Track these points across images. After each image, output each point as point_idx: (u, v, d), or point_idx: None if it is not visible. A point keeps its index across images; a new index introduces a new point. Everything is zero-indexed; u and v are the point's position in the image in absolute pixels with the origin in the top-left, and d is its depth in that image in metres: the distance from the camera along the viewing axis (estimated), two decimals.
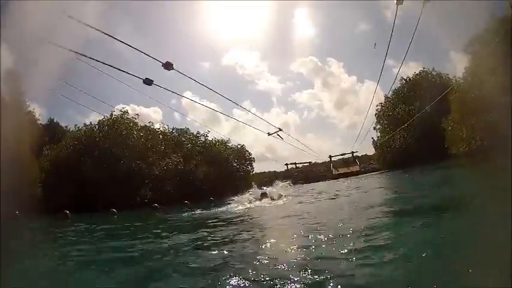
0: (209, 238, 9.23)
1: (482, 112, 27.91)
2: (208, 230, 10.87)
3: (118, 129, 35.36)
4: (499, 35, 24.96)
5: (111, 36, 6.51)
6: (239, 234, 9.43)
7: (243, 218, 14.04)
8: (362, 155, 59.36)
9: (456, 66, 52.00)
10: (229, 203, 21.65)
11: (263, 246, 7.09)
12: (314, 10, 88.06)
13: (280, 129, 13.98)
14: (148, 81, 6.72)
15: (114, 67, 6.72)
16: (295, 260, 5.61)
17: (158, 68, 6.37)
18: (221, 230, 10.66)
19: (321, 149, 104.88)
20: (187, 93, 45.04)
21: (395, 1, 5.99)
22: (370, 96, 62.37)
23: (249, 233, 9.57)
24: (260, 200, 20.92)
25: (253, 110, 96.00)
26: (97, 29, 6.14)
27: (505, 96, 24.64)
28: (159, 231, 12.15)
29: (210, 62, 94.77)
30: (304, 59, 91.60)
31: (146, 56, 6.37)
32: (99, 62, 6.66)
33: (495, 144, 25.70)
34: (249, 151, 46.34)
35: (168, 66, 6.33)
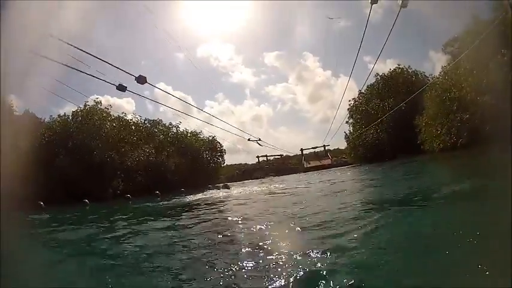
0: (174, 224, 9.85)
1: (459, 111, 29.07)
2: (175, 217, 11.58)
3: (91, 120, 34.54)
4: (479, 36, 25.96)
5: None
6: (202, 222, 9.62)
7: (209, 208, 14.12)
8: (334, 149, 59.98)
9: (435, 65, 53.61)
10: (198, 194, 22.07)
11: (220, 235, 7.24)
12: (292, 4, 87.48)
13: (259, 139, 17.75)
14: (121, 88, 6.82)
15: (87, 73, 6.82)
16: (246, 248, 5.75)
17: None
18: (187, 218, 11.25)
19: (293, 142, 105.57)
20: (161, 84, 46.88)
21: (399, 5, 6.01)
22: (346, 90, 63.53)
23: (212, 221, 9.79)
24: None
25: (226, 101, 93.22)
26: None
27: (483, 96, 25.81)
28: (125, 222, 12.12)
29: (185, 53, 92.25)
30: (279, 52, 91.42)
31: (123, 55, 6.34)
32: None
33: (472, 141, 27.12)
34: (220, 143, 46.36)
35: (140, 80, 6.43)
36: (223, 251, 5.71)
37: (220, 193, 21.63)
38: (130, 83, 6.62)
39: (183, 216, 11.83)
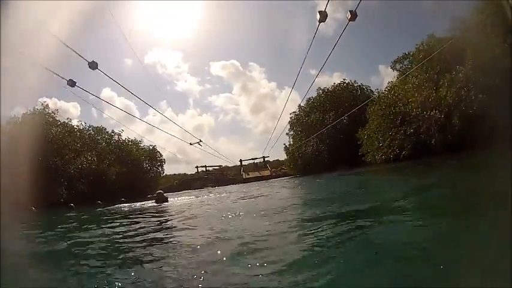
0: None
1: (403, 125, 30.10)
2: (112, 227, 10.93)
3: (38, 124, 32.68)
4: (428, 54, 27.23)
5: None
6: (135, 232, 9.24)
7: (145, 218, 13.63)
8: (274, 160, 60.04)
9: (384, 79, 55.86)
10: (137, 204, 22.03)
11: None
12: (242, 14, 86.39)
13: (200, 140, 17.62)
14: (71, 83, 7.19)
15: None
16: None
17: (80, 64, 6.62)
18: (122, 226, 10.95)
19: (234, 152, 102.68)
20: (106, 90, 44.61)
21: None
22: (289, 103, 63.19)
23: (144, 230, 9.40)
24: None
25: (169, 110, 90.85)
26: None
27: (429, 111, 26.93)
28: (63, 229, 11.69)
29: (133, 59, 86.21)
30: (225, 62, 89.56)
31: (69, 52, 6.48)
32: None
33: (415, 153, 28.11)
34: (161, 152, 46.13)
35: (93, 65, 6.53)
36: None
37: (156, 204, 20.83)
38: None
39: (121, 226, 11.15)
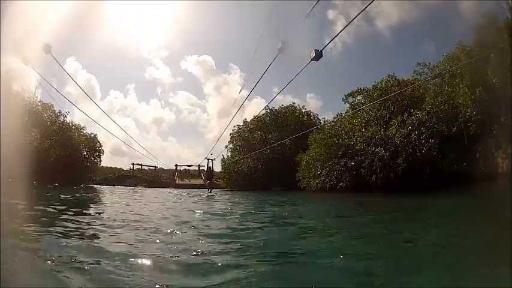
0: None
1: (344, 157, 29.96)
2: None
3: None
4: (379, 92, 27.74)
5: None
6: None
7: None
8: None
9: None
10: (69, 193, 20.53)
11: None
12: (233, 14, 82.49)
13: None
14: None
15: None
16: None
17: None
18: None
19: (181, 155, 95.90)
20: (70, 59, 44.91)
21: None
22: (255, 112, 59.91)
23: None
24: None
25: (134, 95, 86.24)
26: None
27: (374, 147, 27.08)
28: None
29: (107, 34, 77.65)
30: (204, 57, 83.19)
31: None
32: None
33: (353, 187, 27.96)
34: (100, 142, 43.20)
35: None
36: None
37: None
38: None
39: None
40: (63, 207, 11.49)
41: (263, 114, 43.16)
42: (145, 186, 46.65)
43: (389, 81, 26.88)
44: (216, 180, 50.28)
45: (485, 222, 8.14)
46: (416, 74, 24.93)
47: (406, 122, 23.91)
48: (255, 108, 68.62)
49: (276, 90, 50.08)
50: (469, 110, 18.55)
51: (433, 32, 50.58)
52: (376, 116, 27.37)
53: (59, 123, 38.80)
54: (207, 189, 35.57)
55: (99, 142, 43.33)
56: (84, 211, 11.20)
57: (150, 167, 58.08)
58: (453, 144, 19.73)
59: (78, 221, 8.43)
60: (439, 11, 46.54)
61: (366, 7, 6.08)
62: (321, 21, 52.43)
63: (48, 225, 7.40)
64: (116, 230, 7.41)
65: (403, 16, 61.12)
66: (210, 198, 23.22)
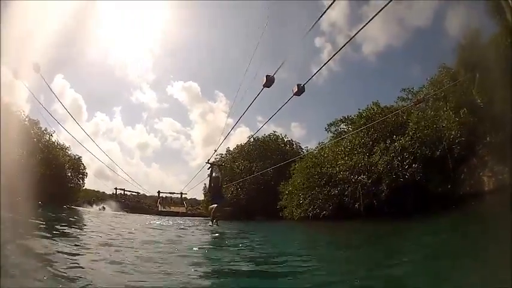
0: None
1: (327, 185, 29.37)
2: None
3: None
4: (363, 120, 27.82)
5: None
6: None
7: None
8: (191, 198, 57.34)
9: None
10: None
11: None
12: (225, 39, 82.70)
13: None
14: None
15: None
16: None
17: None
18: None
19: (166, 182, 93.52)
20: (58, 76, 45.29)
21: (262, 82, 5.75)
22: (239, 140, 59.22)
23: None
24: None
25: (120, 118, 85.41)
26: None
27: (356, 176, 26.68)
28: None
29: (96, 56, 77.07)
30: (190, 84, 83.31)
31: None
32: None
33: (336, 215, 27.20)
34: (84, 165, 42.30)
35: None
36: None
37: None
38: None
39: None
40: None
41: (246, 143, 42.73)
42: (127, 212, 45.38)
43: (373, 108, 26.99)
44: (198, 207, 48.85)
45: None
46: (401, 100, 25.25)
47: (389, 148, 23.73)
48: (239, 136, 68.17)
49: (261, 118, 50.07)
50: (453, 133, 18.55)
51: (420, 55, 51.10)
52: (359, 144, 27.19)
53: (44, 141, 37.61)
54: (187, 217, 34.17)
55: (83, 164, 42.42)
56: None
57: (133, 193, 56.74)
58: (437, 167, 19.53)
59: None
60: (426, 33, 47.58)
61: (352, 38, 5.94)
62: (308, 48, 53.61)
63: None
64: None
65: (389, 41, 62.45)
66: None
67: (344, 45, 5.81)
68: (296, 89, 5.52)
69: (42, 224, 10.57)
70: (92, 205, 48.21)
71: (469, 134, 17.69)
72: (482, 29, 18.56)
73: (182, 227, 18.61)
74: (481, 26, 18.70)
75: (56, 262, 5.16)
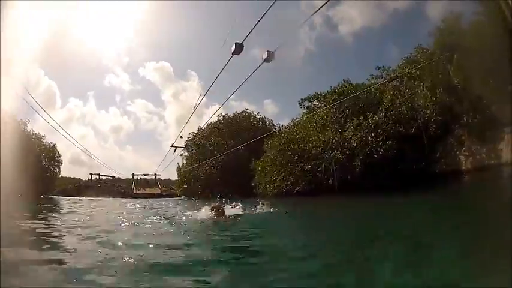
0: None
1: (300, 161, 28.85)
2: None
3: None
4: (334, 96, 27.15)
5: None
6: None
7: None
8: (165, 179, 56.68)
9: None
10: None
11: None
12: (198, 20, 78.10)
13: None
14: None
15: None
16: None
17: None
18: None
19: (138, 163, 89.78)
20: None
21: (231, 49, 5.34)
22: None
23: None
24: None
25: (93, 102, 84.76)
26: None
27: (330, 152, 26.28)
28: None
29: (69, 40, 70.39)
30: (162, 64, 78.59)
31: None
32: None
33: (310, 190, 26.90)
34: (59, 152, 40.97)
35: None
36: None
37: None
38: None
39: None
40: None
41: (217, 121, 41.17)
42: (103, 196, 43.79)
43: (344, 85, 26.25)
44: (172, 188, 47.62)
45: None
46: (373, 78, 24.64)
47: (362, 124, 23.29)
48: (207, 116, 66.43)
49: (234, 97, 48.36)
50: (428, 112, 18.23)
51: (397, 37, 50.58)
52: (332, 121, 26.62)
53: (20, 131, 35.28)
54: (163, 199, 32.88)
55: (58, 152, 41.06)
56: None
57: (108, 177, 55.74)
58: (412, 145, 19.32)
59: None
60: (404, 16, 46.80)
61: (322, 6, 4.96)
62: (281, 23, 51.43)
63: None
64: None
65: (367, 22, 61.33)
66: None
67: (314, 13, 5.08)
68: (266, 55, 5.09)
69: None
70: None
71: (445, 113, 17.41)
72: (464, 13, 18.04)
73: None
74: (463, 11, 18.21)
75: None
